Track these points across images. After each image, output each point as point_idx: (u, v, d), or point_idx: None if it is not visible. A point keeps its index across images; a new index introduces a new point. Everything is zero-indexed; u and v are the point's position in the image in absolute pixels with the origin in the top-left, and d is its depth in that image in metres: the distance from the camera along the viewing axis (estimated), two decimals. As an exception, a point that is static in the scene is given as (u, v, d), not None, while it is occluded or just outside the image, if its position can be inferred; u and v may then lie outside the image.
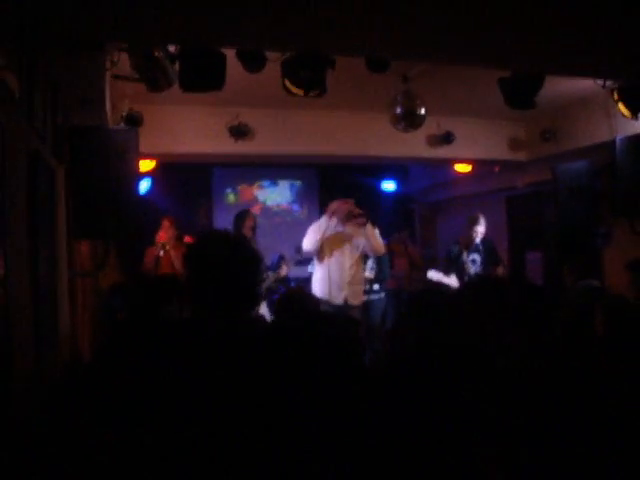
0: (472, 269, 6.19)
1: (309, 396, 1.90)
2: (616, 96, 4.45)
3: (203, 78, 3.52)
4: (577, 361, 2.07)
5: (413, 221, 10.52)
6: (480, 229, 6.19)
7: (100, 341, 4.17)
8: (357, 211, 5.46)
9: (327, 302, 5.27)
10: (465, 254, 6.23)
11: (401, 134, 5.36)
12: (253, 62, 3.71)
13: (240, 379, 1.79)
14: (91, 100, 3.67)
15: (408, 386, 2.01)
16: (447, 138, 6.36)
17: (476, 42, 3.41)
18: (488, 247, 6.31)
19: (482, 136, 6.66)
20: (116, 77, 3.90)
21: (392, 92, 4.90)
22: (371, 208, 8.50)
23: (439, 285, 5.18)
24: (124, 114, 4.97)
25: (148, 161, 5.85)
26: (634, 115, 4.51)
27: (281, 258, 6.37)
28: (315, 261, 5.71)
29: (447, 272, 6.14)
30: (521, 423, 1.87)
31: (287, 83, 3.66)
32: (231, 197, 9.42)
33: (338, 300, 5.41)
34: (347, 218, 5.49)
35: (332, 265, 5.51)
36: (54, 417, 2.16)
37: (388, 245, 6.77)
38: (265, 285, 5.91)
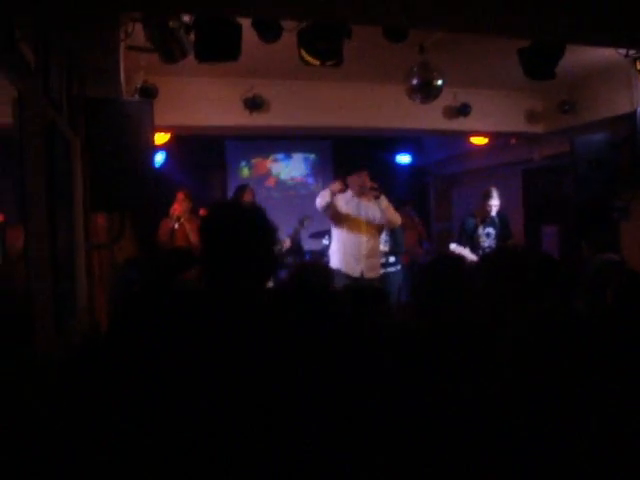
0: (487, 242, 6.17)
1: (322, 365, 1.91)
2: (638, 66, 4.36)
3: (218, 48, 3.48)
4: (592, 334, 2.06)
5: (428, 194, 10.46)
6: (494, 202, 6.15)
7: (115, 312, 4.20)
8: (371, 184, 5.38)
9: (344, 275, 5.27)
10: (481, 227, 6.20)
11: (417, 106, 5.31)
12: (269, 32, 3.67)
13: (256, 350, 1.80)
14: (106, 71, 3.64)
15: (421, 361, 2.01)
16: (463, 110, 6.28)
17: (495, 10, 3.34)
18: (502, 220, 6.28)
19: (499, 108, 6.57)
20: (130, 48, 3.87)
21: (409, 63, 4.84)
22: (386, 181, 8.51)
23: (452, 256, 5.15)
24: (138, 86, 4.94)
25: (163, 134, 5.83)
26: (656, 85, 4.43)
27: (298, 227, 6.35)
28: (332, 234, 5.69)
29: (461, 244, 6.13)
30: (534, 397, 1.87)
31: (303, 53, 3.61)
32: (245, 170, 9.39)
33: (355, 273, 5.39)
34: (361, 191, 5.44)
35: (348, 238, 5.49)
36: (73, 385, 2.19)
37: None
38: None
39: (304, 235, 7.05)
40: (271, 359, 1.79)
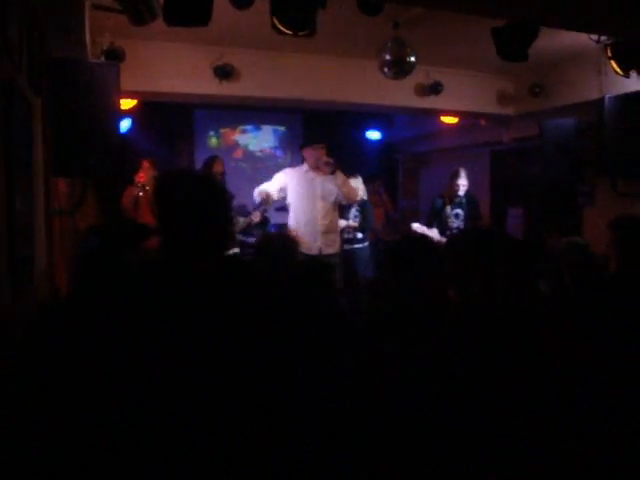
0: (455, 223, 6.20)
1: (279, 336, 1.92)
2: (609, 53, 4.39)
3: (189, 12, 3.37)
4: (557, 315, 2.09)
5: (397, 171, 10.48)
6: (462, 182, 6.17)
7: (75, 279, 4.13)
8: (326, 159, 5.26)
9: (301, 253, 5.23)
10: (449, 208, 6.23)
11: (389, 82, 5.27)
12: (241, -2, 3.58)
13: (213, 319, 1.81)
14: (70, 30, 3.51)
15: (386, 341, 2.02)
16: (435, 88, 6.26)
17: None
18: (471, 201, 6.31)
19: (470, 88, 6.58)
20: (96, 7, 3.74)
21: (382, 39, 4.79)
22: (355, 156, 8.48)
23: (420, 236, 5.17)
24: (104, 48, 4.78)
25: (129, 100, 5.69)
26: (626, 73, 4.47)
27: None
28: (290, 211, 5.55)
29: (430, 225, 6.15)
30: (499, 383, 1.89)
31: (276, 22, 3.53)
32: (213, 140, 9.26)
33: (312, 250, 5.28)
34: (316, 164, 5.32)
35: (303, 215, 5.38)
36: (31, 351, 2.14)
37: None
38: (236, 230, 5.86)
39: (270, 208, 7.00)
40: (220, 326, 1.81)
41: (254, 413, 1.76)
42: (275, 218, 7.11)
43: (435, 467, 1.75)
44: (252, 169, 9.18)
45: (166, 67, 5.40)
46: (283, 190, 5.42)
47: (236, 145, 9.37)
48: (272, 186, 5.43)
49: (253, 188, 5.55)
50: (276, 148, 9.58)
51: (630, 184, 5.33)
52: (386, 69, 4.93)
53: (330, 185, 5.36)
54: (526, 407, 1.79)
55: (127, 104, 5.67)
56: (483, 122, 7.68)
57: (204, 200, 1.93)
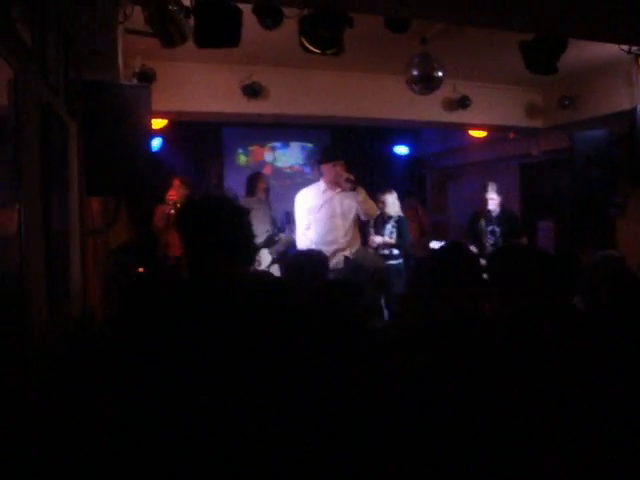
0: (491, 240, 6.01)
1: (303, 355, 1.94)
2: (640, 62, 4.35)
3: (218, 34, 3.44)
4: (593, 331, 2.05)
5: (425, 186, 10.44)
6: (490, 196, 6.06)
7: (112, 298, 4.20)
8: (347, 175, 5.05)
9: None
10: (483, 224, 6.09)
11: (416, 97, 5.28)
12: (270, 18, 3.62)
13: (239, 338, 1.85)
14: (103, 53, 3.60)
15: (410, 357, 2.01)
16: (463, 102, 6.24)
17: (498, 3, 3.32)
18: (509, 218, 6.14)
19: (498, 102, 6.55)
20: (129, 31, 3.83)
21: (409, 54, 4.81)
22: (383, 172, 8.48)
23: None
24: (136, 70, 4.89)
25: (160, 119, 5.79)
26: (657, 83, 4.42)
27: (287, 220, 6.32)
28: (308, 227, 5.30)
29: (467, 242, 6.04)
30: (536, 395, 1.86)
31: (304, 41, 3.58)
32: (242, 158, 9.35)
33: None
34: (336, 182, 5.11)
35: (325, 235, 5.17)
36: (66, 369, 2.19)
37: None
38: (278, 248, 5.88)
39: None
40: (248, 344, 1.86)
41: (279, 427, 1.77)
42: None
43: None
44: (281, 186, 9.22)
45: (196, 87, 5.49)
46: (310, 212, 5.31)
47: (264, 162, 9.44)
48: (303, 220, 5.26)
49: (282, 205, 5.55)
50: (304, 165, 9.61)
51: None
52: (414, 84, 4.94)
53: (349, 201, 5.19)
54: (571, 427, 1.76)
55: (158, 124, 5.77)
56: (512, 135, 7.62)
57: (221, 223, 2.06)
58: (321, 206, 5.18)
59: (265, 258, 5.81)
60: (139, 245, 6.04)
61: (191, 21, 3.52)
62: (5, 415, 1.75)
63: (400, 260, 6.46)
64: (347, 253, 5.17)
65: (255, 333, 1.88)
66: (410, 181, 9.49)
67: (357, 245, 5.41)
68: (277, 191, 8.95)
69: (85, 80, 3.71)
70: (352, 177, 5.06)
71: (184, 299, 1.99)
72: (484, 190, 6.10)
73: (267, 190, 6.23)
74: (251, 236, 2.19)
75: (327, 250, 5.03)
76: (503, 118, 6.68)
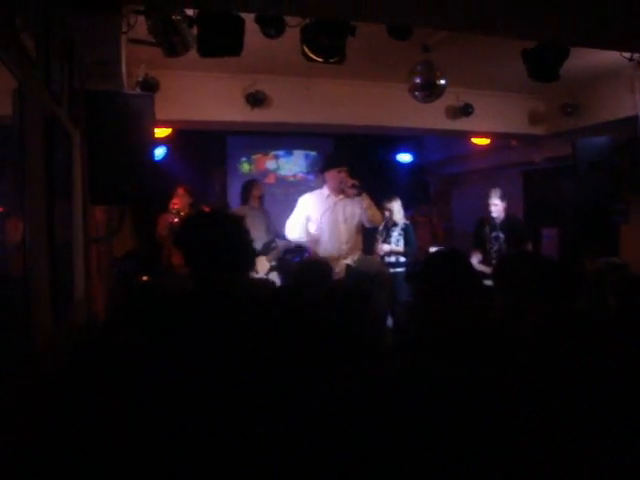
0: (495, 247, 6.02)
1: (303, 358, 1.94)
2: (642, 69, 4.35)
3: (221, 43, 3.47)
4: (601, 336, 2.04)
5: (428, 194, 10.45)
6: (493, 202, 6.06)
7: (115, 305, 4.21)
8: (351, 181, 5.10)
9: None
10: (488, 231, 6.09)
11: (419, 105, 5.29)
12: (272, 27, 3.65)
13: (243, 344, 1.88)
14: (107, 63, 3.63)
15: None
16: (466, 110, 6.26)
17: (500, 10, 3.33)
18: (512, 224, 6.13)
19: (501, 109, 6.56)
20: (132, 41, 3.85)
21: (412, 62, 4.83)
22: (387, 179, 8.49)
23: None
24: (140, 79, 4.92)
25: (163, 128, 5.82)
26: (660, 90, 4.42)
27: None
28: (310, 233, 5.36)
29: (474, 249, 6.05)
30: (548, 402, 1.85)
31: (306, 50, 3.60)
32: (246, 166, 9.37)
33: (337, 275, 5.15)
34: (340, 188, 5.16)
35: (328, 242, 5.22)
36: (71, 375, 2.19)
37: (412, 217, 6.72)
38: (275, 255, 5.88)
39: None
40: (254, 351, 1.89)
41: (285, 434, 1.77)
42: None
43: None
44: (284, 194, 9.23)
45: (199, 96, 5.51)
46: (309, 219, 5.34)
47: (268, 171, 9.46)
48: (301, 222, 5.31)
49: (286, 213, 5.55)
50: (308, 173, 9.63)
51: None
52: (417, 92, 4.96)
53: (352, 208, 5.23)
54: (582, 432, 1.75)
55: (162, 132, 5.79)
56: (514, 143, 7.63)
57: (219, 236, 2.16)
58: (324, 212, 5.20)
59: (262, 265, 5.80)
60: (143, 253, 6.05)
61: (194, 30, 3.54)
62: (10, 422, 1.76)
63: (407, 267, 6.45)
64: (349, 261, 5.20)
65: (258, 339, 1.88)
66: (414, 189, 9.49)
67: (359, 253, 5.45)
68: (280, 199, 8.98)
69: (89, 90, 3.74)
70: (357, 183, 5.12)
71: (187, 306, 2.01)
72: (487, 197, 6.11)
73: (262, 197, 6.23)
74: (249, 241, 2.24)
75: (329, 257, 5.08)
76: (506, 125, 6.70)
